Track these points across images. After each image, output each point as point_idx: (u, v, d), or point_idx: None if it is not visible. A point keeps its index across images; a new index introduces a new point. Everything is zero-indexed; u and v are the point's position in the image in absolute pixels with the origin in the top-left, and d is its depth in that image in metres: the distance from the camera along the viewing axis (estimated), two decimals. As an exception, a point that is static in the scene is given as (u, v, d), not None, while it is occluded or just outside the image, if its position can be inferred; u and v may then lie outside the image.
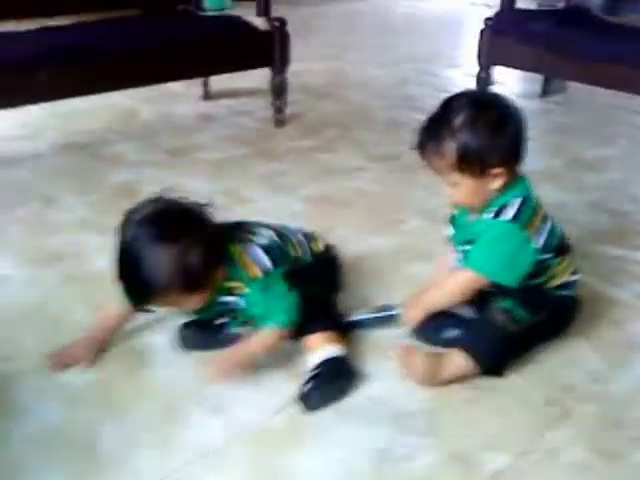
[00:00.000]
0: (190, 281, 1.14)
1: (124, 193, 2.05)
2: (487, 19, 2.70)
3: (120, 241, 1.15)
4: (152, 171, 2.24)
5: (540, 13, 3.04)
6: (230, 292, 1.24)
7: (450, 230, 1.37)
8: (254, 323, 1.27)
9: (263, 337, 1.24)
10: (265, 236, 1.31)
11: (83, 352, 1.31)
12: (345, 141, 2.58)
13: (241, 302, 1.24)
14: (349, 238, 1.77)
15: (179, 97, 3.07)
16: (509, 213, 1.19)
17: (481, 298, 1.27)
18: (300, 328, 1.25)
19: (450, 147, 1.16)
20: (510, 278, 1.20)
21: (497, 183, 1.19)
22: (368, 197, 2.09)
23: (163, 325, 1.42)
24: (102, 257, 1.52)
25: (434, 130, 1.19)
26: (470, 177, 1.18)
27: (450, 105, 1.19)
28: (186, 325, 1.36)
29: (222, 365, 1.22)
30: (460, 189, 1.21)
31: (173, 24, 2.49)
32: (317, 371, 1.22)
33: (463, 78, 3.52)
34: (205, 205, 1.20)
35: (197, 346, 1.35)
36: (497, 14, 2.71)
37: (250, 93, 3.12)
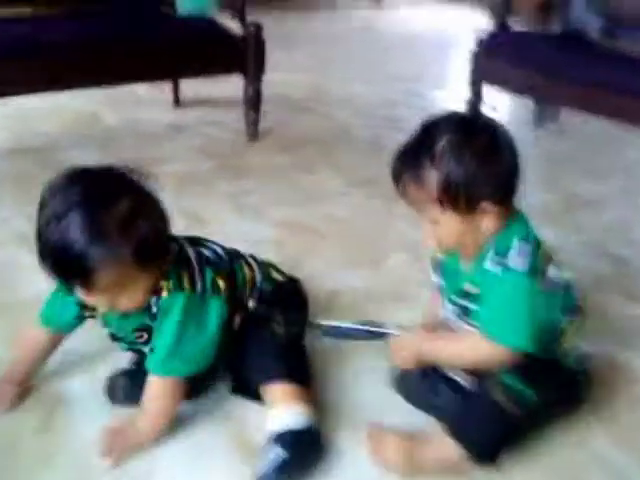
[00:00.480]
0: (143, 248, 0.91)
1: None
2: (479, 40, 2.54)
3: (48, 209, 0.91)
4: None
5: (534, 36, 2.89)
6: (154, 291, 1.02)
7: (435, 277, 1.16)
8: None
9: (153, 398, 1.05)
10: (210, 249, 1.12)
11: None
12: (323, 161, 2.38)
13: (153, 308, 1.03)
14: (320, 273, 1.56)
15: (147, 103, 2.85)
16: (518, 261, 0.98)
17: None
18: (256, 374, 1.08)
19: (431, 176, 0.96)
20: (535, 344, 0.98)
21: (488, 221, 0.99)
22: (345, 225, 1.89)
23: (85, 368, 1.20)
24: (36, 282, 1.32)
25: (412, 156, 0.99)
26: (454, 213, 0.98)
27: (432, 128, 1.00)
28: (117, 375, 1.14)
29: (113, 446, 1.02)
30: (443, 228, 1.01)
31: (140, 21, 2.28)
32: (278, 447, 0.99)
33: (452, 100, 3.35)
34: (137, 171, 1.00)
35: (128, 398, 1.12)
36: (490, 35, 2.54)
37: (224, 103, 2.90)
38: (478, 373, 1.07)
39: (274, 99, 2.72)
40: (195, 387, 1.11)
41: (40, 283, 1.04)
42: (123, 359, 1.18)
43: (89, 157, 2.20)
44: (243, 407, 1.13)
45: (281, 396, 1.06)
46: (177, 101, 2.83)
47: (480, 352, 1.01)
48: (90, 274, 0.90)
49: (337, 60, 4.20)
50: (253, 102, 2.45)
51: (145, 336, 1.08)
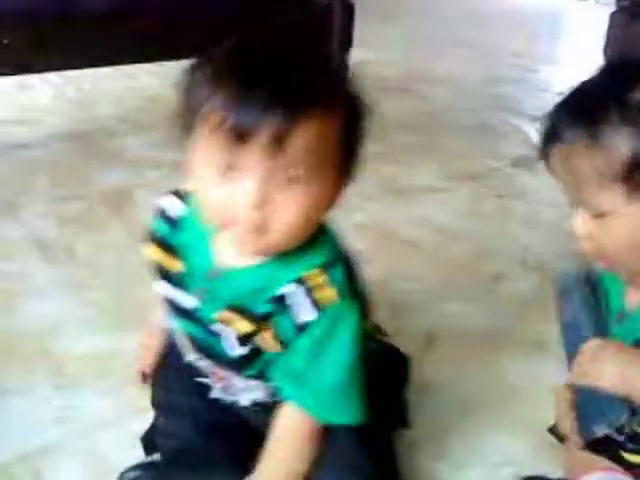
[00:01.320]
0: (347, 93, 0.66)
1: (111, 201, 1.53)
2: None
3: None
4: (157, 174, 1.69)
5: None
6: (303, 284, 0.67)
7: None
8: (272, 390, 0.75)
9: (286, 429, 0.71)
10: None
11: None
12: (421, 150, 1.98)
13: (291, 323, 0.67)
14: (410, 300, 1.16)
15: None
16: None
17: None
18: None
19: (619, 139, 0.64)
20: None
21: None
22: (445, 234, 1.48)
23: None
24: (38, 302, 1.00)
25: (588, 108, 0.67)
26: None
27: (623, 70, 0.71)
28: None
29: None
30: (617, 224, 0.67)
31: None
32: None
33: (568, 76, 2.87)
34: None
35: None
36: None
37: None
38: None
39: (364, 79, 2.33)
40: None
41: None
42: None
43: (140, 142, 1.91)
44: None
45: None
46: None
47: None
48: (310, 109, 0.60)
49: (438, 36, 3.75)
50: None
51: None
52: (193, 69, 0.64)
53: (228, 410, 0.81)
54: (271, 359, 0.70)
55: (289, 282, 0.67)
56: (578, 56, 3.31)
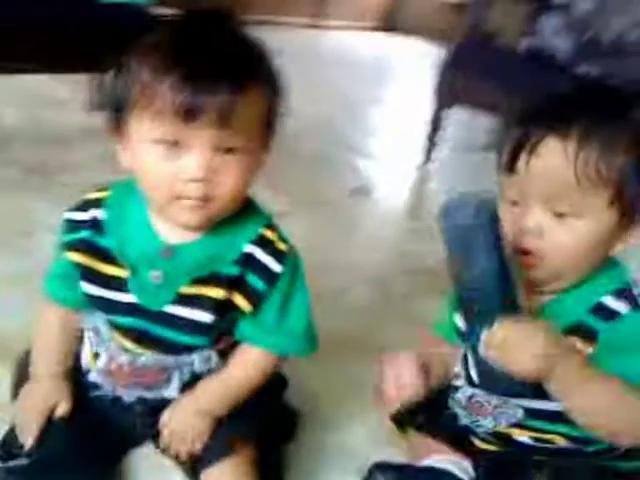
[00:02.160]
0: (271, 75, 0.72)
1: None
2: (447, 51, 2.31)
3: None
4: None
5: (503, 51, 2.69)
6: (262, 242, 0.76)
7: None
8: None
9: (248, 363, 0.80)
10: None
11: None
12: (263, 180, 2.04)
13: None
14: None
15: (58, 102, 2.45)
16: None
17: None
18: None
19: (619, 152, 0.68)
20: None
21: (632, 236, 0.72)
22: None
23: None
24: None
25: (604, 109, 0.71)
26: (617, 209, 0.70)
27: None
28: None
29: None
30: (580, 226, 0.70)
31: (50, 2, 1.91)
32: None
33: (394, 116, 3.25)
34: None
35: None
36: (459, 45, 2.30)
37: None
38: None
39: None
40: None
41: None
42: None
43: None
44: None
45: None
46: (94, 101, 2.44)
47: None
48: (247, 87, 0.67)
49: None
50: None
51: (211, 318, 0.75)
52: (127, 58, 0.68)
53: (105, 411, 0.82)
54: (235, 320, 0.76)
55: (249, 242, 0.73)
56: (403, 101, 3.63)
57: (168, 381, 0.80)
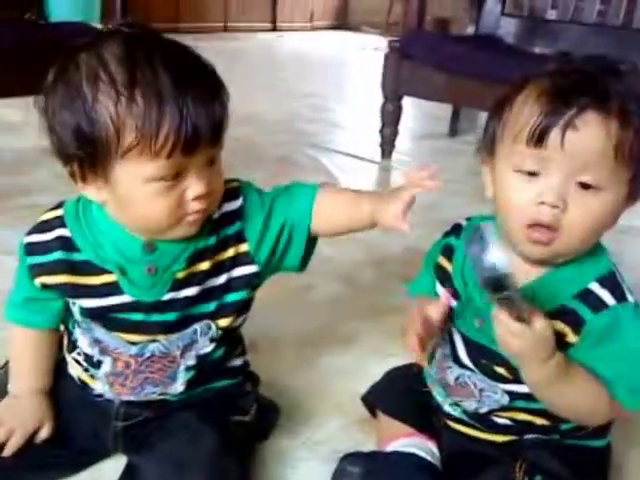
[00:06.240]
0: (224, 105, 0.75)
1: None
2: (392, 41, 2.32)
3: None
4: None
5: (449, 37, 2.71)
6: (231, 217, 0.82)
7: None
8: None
9: None
10: None
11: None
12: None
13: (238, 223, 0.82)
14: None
15: (13, 127, 2.42)
16: (626, 291, 0.73)
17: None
18: None
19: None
20: None
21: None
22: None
23: None
24: None
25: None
26: (629, 188, 0.71)
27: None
28: None
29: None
30: (601, 200, 0.69)
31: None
32: None
33: (354, 113, 3.27)
34: None
35: None
36: (405, 36, 2.32)
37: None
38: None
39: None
40: None
41: None
42: None
43: None
44: None
45: None
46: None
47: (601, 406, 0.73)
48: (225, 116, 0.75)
49: (236, 80, 3.88)
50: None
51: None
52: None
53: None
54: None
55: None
56: (361, 96, 3.65)
57: (174, 378, 0.81)
